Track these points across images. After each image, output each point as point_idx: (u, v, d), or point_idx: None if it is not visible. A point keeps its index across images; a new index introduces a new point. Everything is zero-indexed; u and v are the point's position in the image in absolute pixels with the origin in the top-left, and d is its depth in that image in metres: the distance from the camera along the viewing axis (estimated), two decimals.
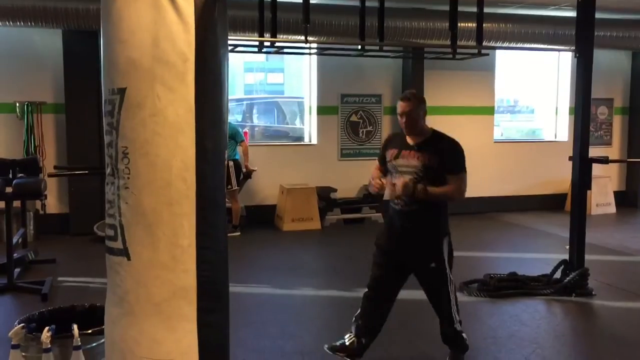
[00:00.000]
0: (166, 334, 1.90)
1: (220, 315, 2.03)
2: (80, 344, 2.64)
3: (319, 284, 5.92)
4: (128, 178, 1.89)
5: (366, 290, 3.81)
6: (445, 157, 3.56)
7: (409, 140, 3.65)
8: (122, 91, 1.88)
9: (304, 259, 7.18)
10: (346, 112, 9.40)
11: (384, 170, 3.78)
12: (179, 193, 1.88)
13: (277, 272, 6.47)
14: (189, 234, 1.90)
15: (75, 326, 2.66)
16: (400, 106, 3.59)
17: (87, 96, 7.85)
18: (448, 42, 6.62)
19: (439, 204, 3.60)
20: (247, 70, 15.42)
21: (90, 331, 2.73)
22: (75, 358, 2.62)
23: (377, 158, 3.94)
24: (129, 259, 1.91)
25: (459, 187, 3.57)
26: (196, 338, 1.92)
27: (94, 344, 2.73)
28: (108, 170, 1.98)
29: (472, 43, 7.17)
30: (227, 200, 8.04)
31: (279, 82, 18.46)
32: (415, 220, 3.61)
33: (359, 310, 3.84)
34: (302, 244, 7.90)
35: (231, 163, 8.05)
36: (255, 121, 11.73)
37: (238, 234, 8.07)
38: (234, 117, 11.21)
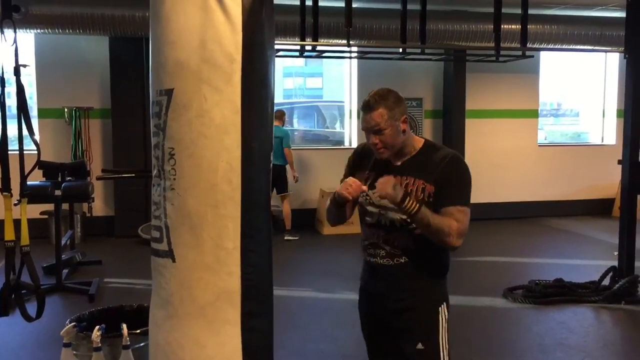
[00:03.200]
0: (210, 337, 1.87)
1: (265, 320, 1.99)
2: (129, 343, 2.68)
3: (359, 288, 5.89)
4: (174, 179, 1.88)
5: None
6: (442, 181, 2.25)
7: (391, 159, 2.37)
8: (169, 92, 1.88)
9: (345, 263, 7.15)
10: None
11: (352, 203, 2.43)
12: (224, 195, 1.85)
13: (318, 275, 6.47)
14: (233, 237, 1.87)
15: (124, 326, 2.71)
16: (365, 120, 2.29)
17: (133, 101, 8.03)
18: (491, 44, 6.55)
19: (439, 254, 2.34)
20: (286, 75, 15.53)
21: (138, 331, 2.77)
22: (125, 357, 2.66)
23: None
24: (174, 260, 1.89)
25: (461, 224, 2.21)
26: (240, 343, 1.88)
27: (142, 344, 2.76)
28: (155, 172, 1.97)
29: (516, 45, 7.06)
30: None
31: (318, 87, 18.51)
32: (403, 279, 2.33)
33: None
34: (343, 247, 7.88)
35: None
36: (295, 125, 11.78)
37: (297, 237, 8.15)
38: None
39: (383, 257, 2.34)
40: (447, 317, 2.35)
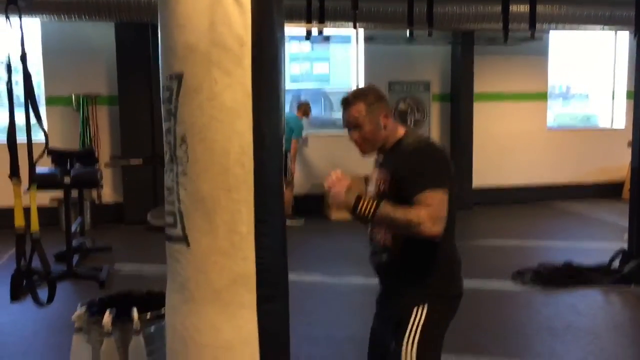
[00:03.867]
0: (226, 321, 1.89)
1: (280, 302, 2.01)
2: (139, 327, 2.70)
3: (368, 272, 5.85)
4: (186, 164, 1.88)
5: None
6: (404, 171, 2.17)
7: (378, 153, 2.39)
8: (179, 76, 1.87)
9: (353, 248, 7.15)
10: (394, 100, 9.31)
11: None
12: (237, 179, 1.85)
13: (326, 260, 6.49)
14: (247, 221, 1.87)
15: (134, 310, 2.73)
16: (344, 116, 2.31)
17: (140, 87, 8.03)
18: (499, 26, 6.48)
19: (422, 252, 2.20)
20: (292, 61, 15.47)
21: (148, 316, 2.79)
22: (135, 342, 2.69)
23: None
24: (188, 245, 1.90)
25: (432, 208, 2.06)
26: (256, 325, 1.90)
27: (152, 329, 2.79)
28: (167, 157, 1.96)
29: (524, 26, 6.97)
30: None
31: (325, 72, 18.43)
32: (388, 277, 2.36)
33: None
34: (351, 232, 7.86)
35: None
36: None
37: (299, 223, 8.17)
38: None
39: (372, 255, 2.37)
40: (422, 319, 2.19)
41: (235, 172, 1.85)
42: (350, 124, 2.27)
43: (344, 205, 2.16)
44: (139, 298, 3.11)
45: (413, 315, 2.21)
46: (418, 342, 2.19)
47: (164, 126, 1.97)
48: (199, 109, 1.84)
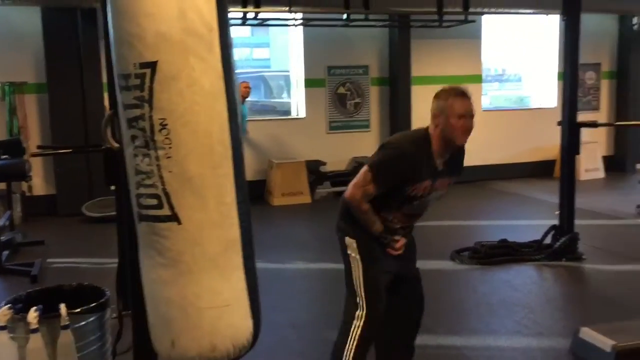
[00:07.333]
0: (223, 283, 2.09)
1: (254, 259, 2.24)
2: (68, 323, 2.60)
3: (309, 257, 5.91)
4: (169, 148, 1.99)
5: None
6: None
7: (436, 159, 2.83)
8: (152, 64, 1.95)
9: (295, 233, 7.17)
10: (333, 84, 9.32)
11: (384, 202, 2.92)
12: (220, 156, 2.04)
13: (268, 246, 6.44)
14: (230, 192, 2.07)
15: (62, 305, 2.62)
16: (464, 105, 2.71)
17: (70, 74, 7.73)
18: (434, 9, 6.56)
19: None
20: None
21: (78, 310, 2.69)
22: (64, 337, 2.59)
23: (371, 180, 2.82)
24: (179, 223, 2.03)
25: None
26: (245, 283, 2.12)
27: (83, 323, 2.69)
28: (138, 143, 2.03)
29: (458, 10, 7.09)
30: None
31: (265, 57, 18.27)
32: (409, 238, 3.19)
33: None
34: (293, 218, 7.89)
35: None
36: None
37: None
38: None
39: (405, 229, 3.11)
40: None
41: (218, 150, 2.02)
42: (469, 113, 2.71)
43: None
44: (69, 292, 3.00)
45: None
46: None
47: (130, 113, 2.03)
48: (180, 96, 1.96)
